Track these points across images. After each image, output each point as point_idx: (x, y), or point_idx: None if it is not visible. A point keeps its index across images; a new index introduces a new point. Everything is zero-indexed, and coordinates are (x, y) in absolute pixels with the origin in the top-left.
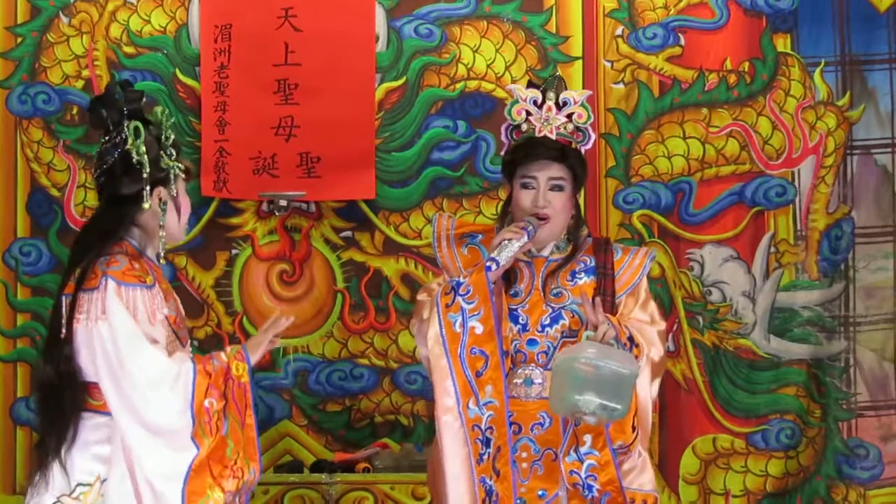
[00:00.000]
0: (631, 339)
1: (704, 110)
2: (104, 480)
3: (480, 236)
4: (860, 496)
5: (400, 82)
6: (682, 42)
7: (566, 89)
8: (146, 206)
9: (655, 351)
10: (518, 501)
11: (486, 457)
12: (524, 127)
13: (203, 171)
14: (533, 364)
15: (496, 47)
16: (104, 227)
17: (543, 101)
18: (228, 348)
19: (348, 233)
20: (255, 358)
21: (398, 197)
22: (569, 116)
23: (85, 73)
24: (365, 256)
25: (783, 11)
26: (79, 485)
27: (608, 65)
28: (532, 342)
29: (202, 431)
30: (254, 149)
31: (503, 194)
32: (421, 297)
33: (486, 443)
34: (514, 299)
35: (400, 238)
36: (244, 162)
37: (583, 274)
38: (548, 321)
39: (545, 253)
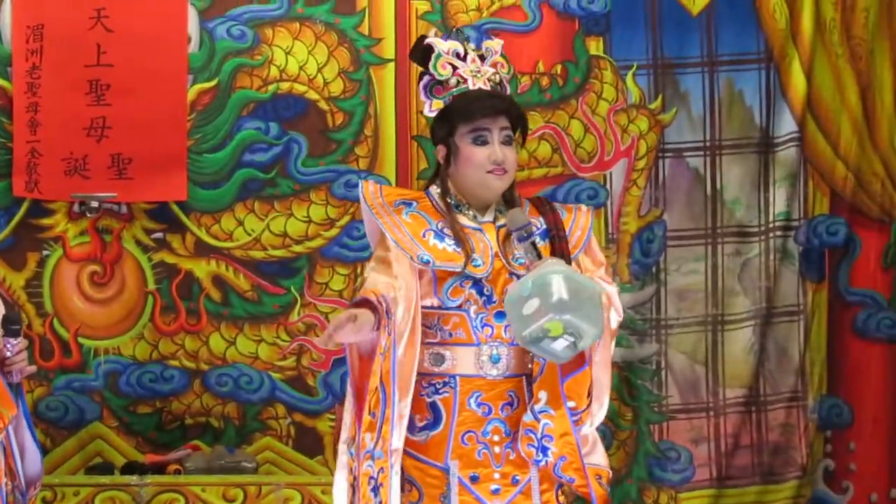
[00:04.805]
0: None
1: None
2: None
3: (416, 203)
4: (671, 499)
5: (212, 84)
6: None
7: (469, 41)
8: None
9: (614, 314)
10: (493, 488)
11: None
12: (452, 81)
13: (14, 172)
14: (500, 340)
15: (309, 49)
16: None
17: (466, 53)
18: None
19: (159, 234)
20: None
21: (210, 199)
22: (493, 66)
23: None
24: (176, 258)
25: (596, 14)
26: None
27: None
28: (500, 315)
29: None
30: (65, 150)
31: (314, 196)
32: (368, 270)
33: (354, 490)
34: (476, 269)
35: (211, 240)
36: (56, 163)
37: (538, 237)
38: None
39: (489, 218)
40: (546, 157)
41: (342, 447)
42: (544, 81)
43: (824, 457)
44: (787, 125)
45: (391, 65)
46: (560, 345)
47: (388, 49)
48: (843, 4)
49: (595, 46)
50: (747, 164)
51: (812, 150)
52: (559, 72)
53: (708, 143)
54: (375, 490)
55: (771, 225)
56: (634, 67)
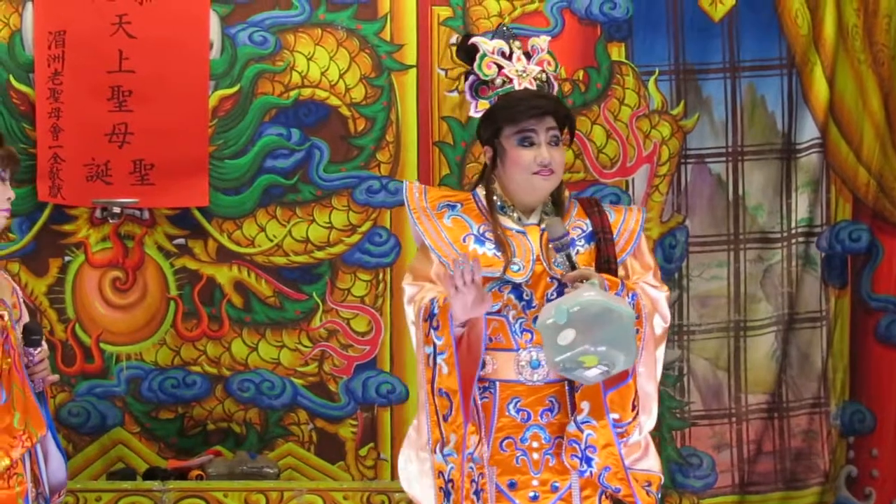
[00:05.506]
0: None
1: None
2: None
3: (460, 205)
4: None
5: (234, 90)
6: None
7: (516, 38)
8: None
9: (659, 321)
10: (532, 495)
11: None
12: (498, 81)
13: (38, 178)
14: (539, 345)
15: (330, 55)
16: None
17: (511, 52)
18: None
19: (181, 240)
20: None
21: (231, 204)
22: (539, 64)
23: None
24: (198, 264)
25: (618, 20)
26: None
27: (442, 73)
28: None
29: None
30: (87, 155)
31: (336, 202)
32: (407, 284)
33: (447, 495)
34: (516, 273)
35: (233, 246)
36: (78, 168)
37: (583, 241)
38: (554, 295)
39: (534, 220)
40: (568, 162)
41: (423, 454)
42: (566, 87)
43: (847, 463)
44: (809, 131)
45: (413, 71)
46: (593, 373)
47: (410, 55)
48: (865, 10)
49: (617, 52)
50: (769, 170)
51: (834, 155)
52: (581, 77)
53: (730, 149)
54: (477, 494)
55: (793, 231)
56: (656, 73)
